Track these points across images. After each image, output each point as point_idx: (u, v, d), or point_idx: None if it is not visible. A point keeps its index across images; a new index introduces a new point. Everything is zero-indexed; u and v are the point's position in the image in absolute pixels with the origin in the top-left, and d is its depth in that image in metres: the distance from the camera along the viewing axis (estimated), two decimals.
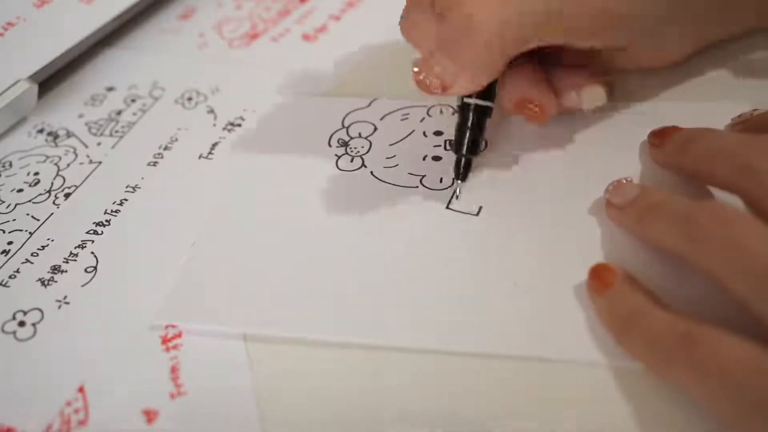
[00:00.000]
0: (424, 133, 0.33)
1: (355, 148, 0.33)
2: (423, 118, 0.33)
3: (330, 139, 0.33)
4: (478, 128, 0.28)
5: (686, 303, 0.23)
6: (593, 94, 0.29)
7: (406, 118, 0.34)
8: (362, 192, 0.30)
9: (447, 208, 0.29)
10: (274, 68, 0.39)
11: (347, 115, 0.35)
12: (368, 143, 0.33)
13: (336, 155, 0.32)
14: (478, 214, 0.28)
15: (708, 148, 0.25)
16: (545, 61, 0.30)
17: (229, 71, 0.40)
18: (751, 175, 0.23)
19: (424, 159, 0.31)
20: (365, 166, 0.32)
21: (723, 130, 0.26)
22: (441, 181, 0.30)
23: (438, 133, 0.32)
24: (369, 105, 0.35)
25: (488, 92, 0.28)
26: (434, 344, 0.24)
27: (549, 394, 0.23)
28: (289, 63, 0.40)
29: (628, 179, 0.26)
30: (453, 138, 0.29)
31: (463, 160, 0.29)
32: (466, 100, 0.28)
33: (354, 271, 0.27)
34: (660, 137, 0.28)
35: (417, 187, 0.30)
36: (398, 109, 0.34)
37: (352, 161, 0.32)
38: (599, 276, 0.24)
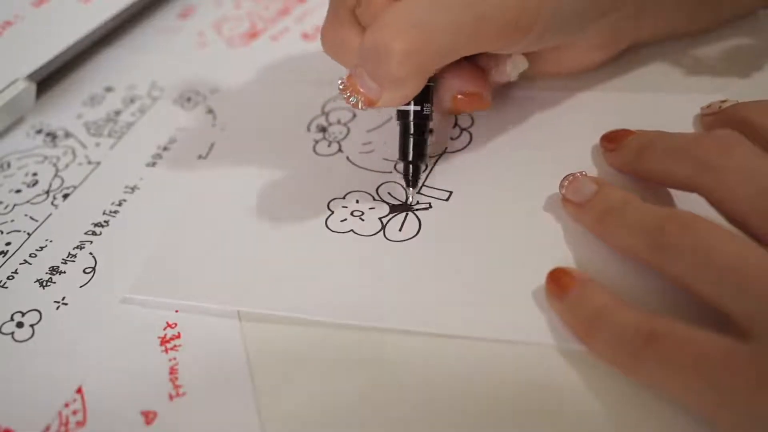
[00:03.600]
0: None
1: (333, 133, 0.34)
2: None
3: (309, 125, 0.35)
4: (421, 133, 0.28)
5: (650, 295, 0.23)
6: (516, 63, 0.30)
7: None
8: (337, 176, 0.31)
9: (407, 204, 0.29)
10: (273, 67, 0.39)
11: (327, 101, 0.36)
12: (346, 129, 0.34)
13: (314, 140, 0.34)
14: (448, 199, 0.29)
15: (665, 150, 0.25)
16: None
17: (229, 71, 0.40)
18: (710, 171, 0.23)
19: None
20: (342, 151, 0.33)
21: (676, 132, 0.26)
22: None
23: None
24: None
25: (424, 95, 0.28)
26: (402, 325, 0.25)
27: (536, 378, 0.23)
28: (288, 62, 0.40)
29: (583, 173, 0.26)
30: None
31: (411, 167, 0.29)
32: (402, 107, 0.28)
33: (324, 251, 0.28)
34: (613, 141, 0.28)
35: (390, 172, 0.31)
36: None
37: (329, 146, 0.33)
38: (558, 281, 0.24)
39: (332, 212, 0.29)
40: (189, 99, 0.38)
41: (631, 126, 0.28)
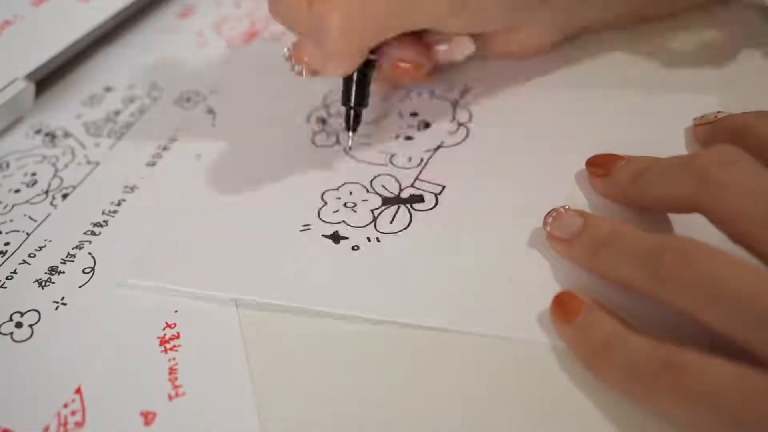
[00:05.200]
0: (400, 114, 0.34)
1: (333, 125, 0.34)
2: (401, 99, 0.35)
3: (309, 116, 0.35)
4: (364, 81, 0.30)
5: (656, 317, 0.23)
6: (461, 45, 0.31)
7: (385, 99, 0.35)
8: (333, 167, 0.32)
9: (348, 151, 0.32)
10: (273, 67, 0.39)
11: (329, 93, 0.36)
12: None
13: (314, 131, 0.34)
14: (440, 193, 0.29)
15: (663, 170, 0.24)
16: None
17: (229, 70, 0.40)
18: (711, 187, 0.22)
19: (396, 138, 0.33)
20: (339, 143, 0.33)
21: (671, 156, 0.25)
22: (410, 160, 0.31)
23: (413, 114, 0.34)
24: None
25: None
26: (379, 315, 0.25)
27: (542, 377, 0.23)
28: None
29: (567, 207, 0.26)
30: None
31: (352, 112, 0.31)
32: None
33: (316, 241, 0.28)
34: (602, 166, 0.27)
35: (386, 165, 0.31)
36: (379, 90, 0.35)
37: (327, 138, 0.33)
38: (564, 305, 0.23)
39: (325, 203, 0.30)
40: (188, 99, 0.38)
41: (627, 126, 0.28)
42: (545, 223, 0.26)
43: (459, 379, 0.23)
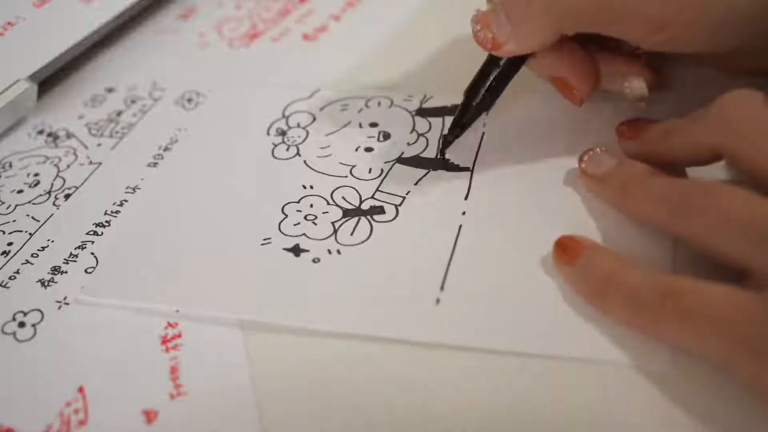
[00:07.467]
0: (359, 125, 0.34)
1: (292, 137, 0.34)
2: (361, 110, 0.34)
3: (269, 128, 0.35)
4: (501, 81, 0.28)
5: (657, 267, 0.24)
6: (636, 88, 0.29)
7: (345, 109, 0.35)
8: (293, 180, 0.31)
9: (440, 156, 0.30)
10: (274, 68, 0.39)
11: (288, 105, 0.36)
12: (305, 133, 0.34)
13: (273, 144, 0.34)
14: (401, 204, 0.29)
15: (688, 121, 0.25)
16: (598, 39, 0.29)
17: (229, 71, 0.40)
18: (734, 132, 0.22)
19: (356, 150, 0.32)
20: (299, 155, 0.33)
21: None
22: (370, 172, 0.31)
23: (373, 125, 0.33)
24: (311, 96, 0.36)
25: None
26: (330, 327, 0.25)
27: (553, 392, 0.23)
28: (289, 63, 0.40)
29: (602, 149, 0.27)
30: (390, 129, 0.31)
31: (469, 107, 0.29)
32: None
33: (277, 254, 0.28)
34: (635, 129, 0.27)
35: (346, 176, 0.31)
36: (338, 100, 0.35)
37: (287, 150, 0.33)
38: (565, 247, 0.24)
39: (286, 216, 0.30)
40: (190, 99, 0.39)
41: None
42: (580, 160, 0.27)
43: (470, 401, 0.23)
